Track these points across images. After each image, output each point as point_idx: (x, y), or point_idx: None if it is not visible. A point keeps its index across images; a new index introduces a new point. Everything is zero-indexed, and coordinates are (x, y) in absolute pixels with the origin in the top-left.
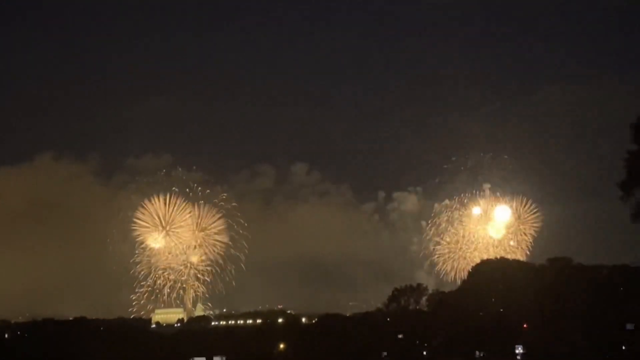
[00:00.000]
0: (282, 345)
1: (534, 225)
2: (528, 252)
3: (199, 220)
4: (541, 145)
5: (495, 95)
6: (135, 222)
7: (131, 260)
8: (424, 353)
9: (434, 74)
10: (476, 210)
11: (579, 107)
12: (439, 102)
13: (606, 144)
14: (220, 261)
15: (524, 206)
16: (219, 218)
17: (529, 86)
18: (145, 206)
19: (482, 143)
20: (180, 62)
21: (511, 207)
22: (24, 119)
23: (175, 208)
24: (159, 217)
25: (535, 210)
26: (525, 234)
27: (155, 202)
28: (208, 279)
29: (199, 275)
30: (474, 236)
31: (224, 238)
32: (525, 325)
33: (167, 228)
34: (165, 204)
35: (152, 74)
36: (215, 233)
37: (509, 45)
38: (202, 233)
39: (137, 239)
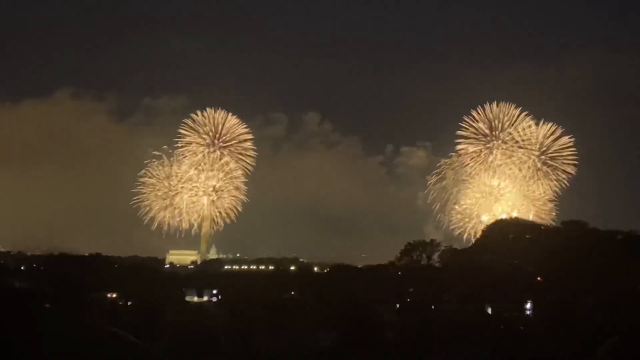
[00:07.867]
0: (292, 293)
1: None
2: (543, 216)
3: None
4: (562, 109)
5: (523, 57)
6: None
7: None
8: (434, 307)
9: (454, 26)
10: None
11: (608, 72)
12: (458, 57)
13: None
14: (235, 206)
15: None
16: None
17: (558, 48)
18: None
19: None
20: (202, 7)
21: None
22: (47, 54)
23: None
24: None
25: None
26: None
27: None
28: (224, 216)
29: (217, 211)
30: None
31: (240, 182)
32: (539, 279)
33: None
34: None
35: (174, 17)
36: (232, 176)
37: (540, 3)
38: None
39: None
